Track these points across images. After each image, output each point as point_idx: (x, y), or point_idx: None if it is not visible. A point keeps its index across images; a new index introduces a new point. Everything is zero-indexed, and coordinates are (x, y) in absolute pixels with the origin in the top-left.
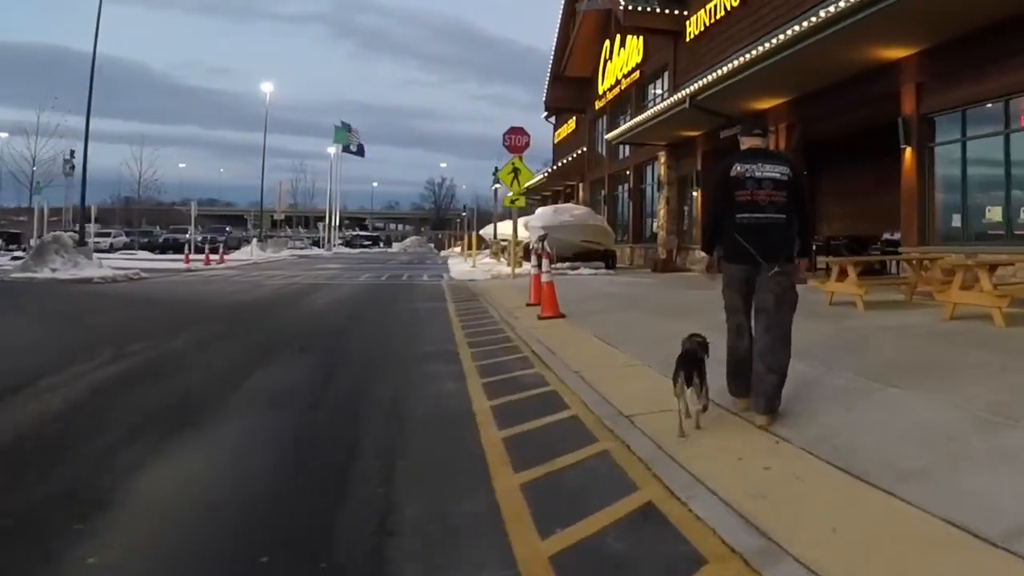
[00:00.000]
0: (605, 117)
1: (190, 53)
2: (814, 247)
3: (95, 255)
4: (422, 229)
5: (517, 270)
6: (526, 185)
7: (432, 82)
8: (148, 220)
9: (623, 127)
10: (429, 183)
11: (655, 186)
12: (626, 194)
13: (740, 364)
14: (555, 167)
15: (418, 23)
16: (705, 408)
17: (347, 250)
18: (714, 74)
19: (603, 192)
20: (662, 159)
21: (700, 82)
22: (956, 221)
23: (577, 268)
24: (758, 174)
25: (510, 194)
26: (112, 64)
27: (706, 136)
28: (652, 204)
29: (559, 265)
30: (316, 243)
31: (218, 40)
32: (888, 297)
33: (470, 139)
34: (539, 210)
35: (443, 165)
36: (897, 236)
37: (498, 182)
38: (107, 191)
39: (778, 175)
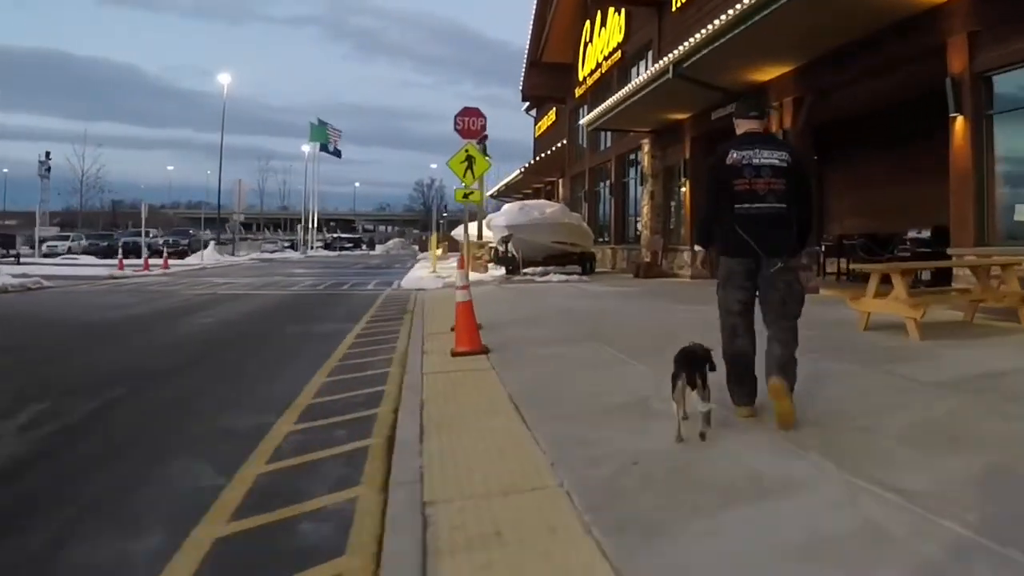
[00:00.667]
0: (586, 106)
1: (184, 56)
2: (823, 247)
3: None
4: (405, 231)
5: (480, 276)
6: (503, 185)
7: (427, 84)
8: (135, 223)
9: (600, 108)
10: (418, 184)
11: (639, 179)
12: (607, 190)
13: (740, 366)
14: (532, 162)
15: (413, 25)
16: (709, 413)
17: (325, 253)
18: (702, 32)
19: (584, 189)
20: (646, 148)
21: (686, 44)
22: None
23: (548, 274)
24: (756, 161)
25: (462, 186)
26: (104, 67)
27: (695, 119)
28: (636, 200)
29: (529, 271)
30: (293, 246)
31: (213, 43)
32: (940, 317)
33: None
34: (505, 207)
35: (433, 166)
36: (925, 234)
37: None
38: (104, 194)
39: (777, 161)
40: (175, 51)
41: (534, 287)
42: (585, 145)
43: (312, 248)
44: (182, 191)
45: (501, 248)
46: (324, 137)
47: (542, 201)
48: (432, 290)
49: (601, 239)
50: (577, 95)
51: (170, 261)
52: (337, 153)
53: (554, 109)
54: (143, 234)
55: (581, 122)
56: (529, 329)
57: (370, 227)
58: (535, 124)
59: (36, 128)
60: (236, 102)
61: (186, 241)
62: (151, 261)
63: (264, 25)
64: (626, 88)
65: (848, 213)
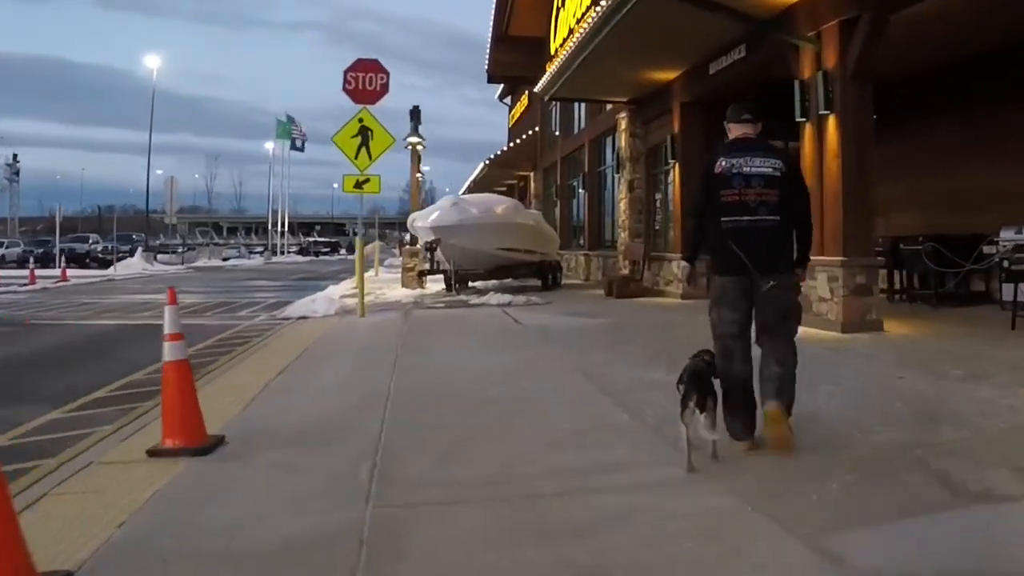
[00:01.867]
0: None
1: (185, 61)
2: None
3: None
4: (385, 233)
5: (410, 294)
6: (471, 182)
7: (429, 87)
8: (123, 228)
9: (556, 64)
10: (408, 186)
11: (615, 166)
12: (581, 182)
13: (736, 392)
14: (497, 154)
15: (415, 30)
16: (715, 444)
17: (295, 259)
18: None
19: (555, 183)
20: (623, 124)
21: None
22: None
23: (489, 292)
24: (746, 170)
25: (356, 173)
26: (104, 72)
27: (687, 78)
28: (613, 194)
29: (480, 284)
30: (263, 251)
31: (215, 48)
32: None
33: (468, 143)
34: (440, 202)
35: (426, 168)
36: None
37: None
38: (97, 199)
39: (770, 170)
40: (175, 57)
41: (449, 317)
42: (558, 131)
43: (284, 253)
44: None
45: (425, 257)
46: (289, 134)
47: (487, 195)
48: (313, 319)
49: (575, 244)
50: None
51: (88, 270)
52: (301, 147)
53: (526, 93)
54: (61, 239)
55: (536, 88)
56: (300, 456)
57: (361, 231)
58: (509, 113)
59: (30, 134)
60: (234, 106)
61: (127, 247)
62: (41, 273)
63: (264, 30)
64: (586, 24)
65: (900, 206)
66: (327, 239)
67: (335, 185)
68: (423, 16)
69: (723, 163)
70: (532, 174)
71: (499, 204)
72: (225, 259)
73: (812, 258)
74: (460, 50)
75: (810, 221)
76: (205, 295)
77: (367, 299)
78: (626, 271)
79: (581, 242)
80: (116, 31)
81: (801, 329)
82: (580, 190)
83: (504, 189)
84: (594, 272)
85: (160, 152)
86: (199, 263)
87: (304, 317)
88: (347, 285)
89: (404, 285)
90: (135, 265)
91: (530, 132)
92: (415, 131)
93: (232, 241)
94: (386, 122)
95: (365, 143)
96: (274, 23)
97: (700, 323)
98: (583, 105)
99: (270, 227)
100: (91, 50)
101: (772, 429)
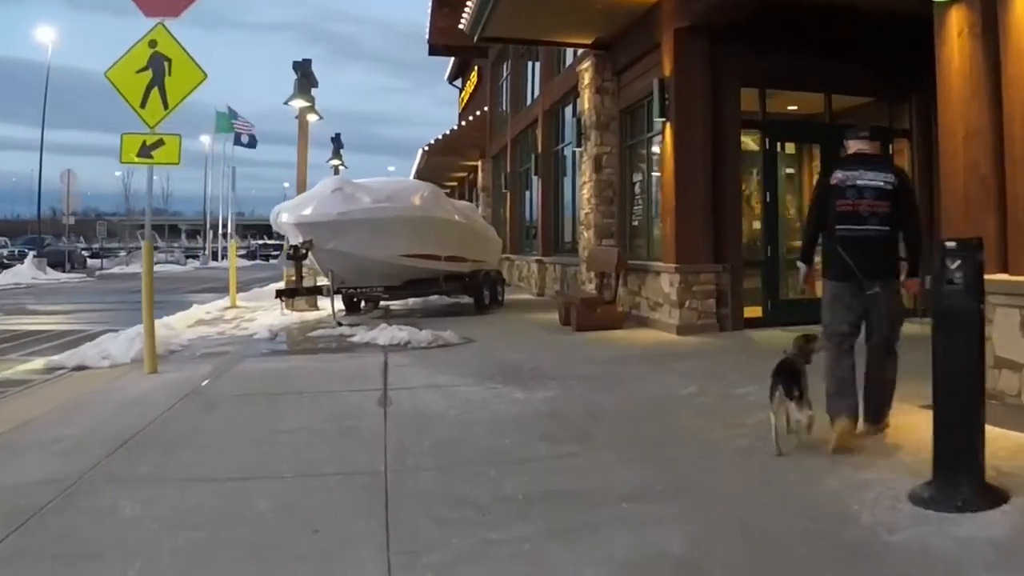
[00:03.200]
0: (511, 59)
1: None
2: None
3: None
4: None
5: (289, 319)
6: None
7: (404, 88)
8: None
9: None
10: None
11: (576, 139)
12: (534, 166)
13: (842, 384)
14: (438, 139)
15: (392, 31)
16: (811, 421)
17: (240, 263)
18: None
19: (504, 172)
20: (587, 78)
21: None
22: None
23: (379, 325)
24: (860, 182)
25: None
26: (69, 74)
27: None
28: (574, 179)
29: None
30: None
31: (189, 49)
32: None
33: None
34: (318, 186)
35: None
36: None
37: None
38: (53, 200)
39: (882, 183)
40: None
41: (280, 380)
42: (508, 109)
43: (224, 259)
44: (138, 198)
45: (289, 268)
46: (230, 127)
47: (392, 180)
48: (91, 372)
49: (528, 247)
50: None
51: None
52: (252, 144)
53: (476, 69)
54: None
55: (461, 24)
56: None
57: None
58: (459, 96)
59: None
60: (208, 108)
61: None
62: None
63: (239, 31)
64: None
65: None
66: (277, 242)
67: (286, 184)
68: (402, 17)
69: (839, 175)
70: (480, 163)
71: (409, 191)
72: (155, 264)
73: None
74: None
75: (919, 232)
76: (32, 317)
77: (219, 328)
78: (591, 287)
79: (531, 246)
80: (84, 32)
81: None
82: (533, 176)
83: (455, 184)
84: (550, 283)
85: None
86: (115, 269)
87: (82, 367)
88: (220, 304)
89: (288, 307)
90: (23, 274)
91: (478, 112)
92: (336, 154)
93: (175, 244)
94: (355, 128)
95: (159, 81)
96: (249, 24)
97: (739, 408)
98: (537, 66)
99: (207, 229)
100: (58, 52)
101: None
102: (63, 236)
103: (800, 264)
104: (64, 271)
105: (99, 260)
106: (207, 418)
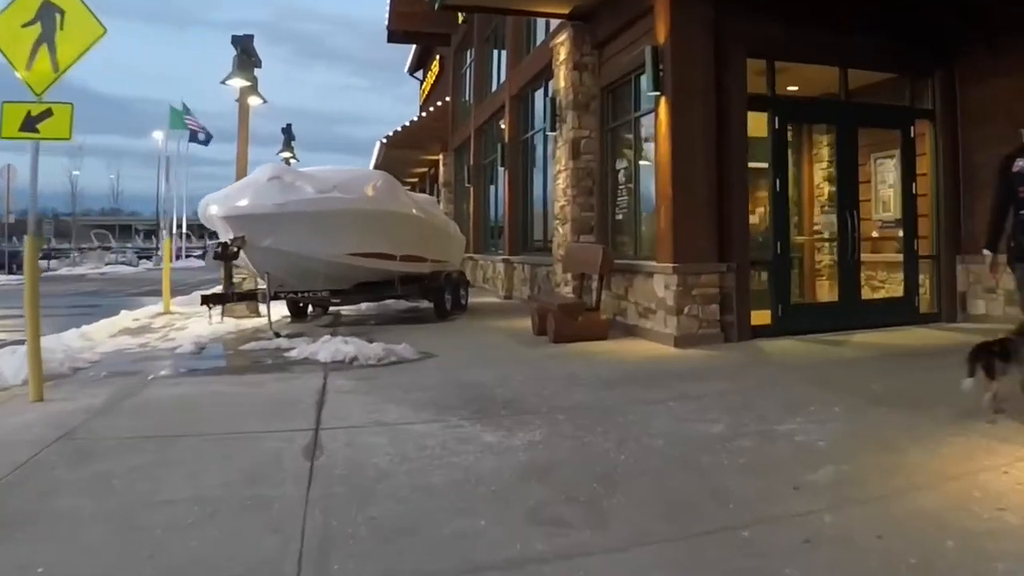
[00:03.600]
0: (475, 45)
1: (122, 61)
2: None
3: None
4: None
5: (224, 327)
6: None
7: (369, 87)
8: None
9: None
10: None
11: (550, 122)
12: (500, 156)
13: None
14: (396, 131)
15: (359, 30)
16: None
17: (193, 263)
18: None
19: (467, 165)
20: (563, 53)
21: None
22: None
23: (322, 337)
24: None
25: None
26: None
27: None
28: (546, 169)
29: (348, 310)
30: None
31: (159, 48)
32: None
33: None
34: (255, 173)
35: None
36: None
37: None
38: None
39: None
40: (116, 57)
41: (186, 412)
42: (471, 99)
43: (184, 257)
44: (96, 199)
45: (218, 268)
46: (183, 123)
47: (337, 168)
48: None
49: (492, 245)
50: (461, 21)
51: None
52: (207, 141)
53: (437, 59)
54: None
55: None
56: None
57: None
58: (420, 89)
59: None
60: (165, 106)
61: None
62: None
63: (204, 30)
64: None
65: None
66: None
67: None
68: (369, 16)
69: (1020, 163)
70: (442, 156)
71: (359, 180)
72: (107, 264)
73: None
74: (402, 50)
75: None
76: None
77: (142, 339)
78: (567, 290)
79: (497, 244)
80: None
81: None
82: (499, 167)
83: (415, 180)
84: (519, 285)
85: (91, 154)
86: (63, 271)
87: None
88: (152, 310)
89: (226, 313)
90: None
91: (439, 103)
92: (288, 146)
93: (128, 245)
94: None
95: (48, 37)
96: (214, 22)
97: (795, 457)
98: (503, 54)
99: (162, 229)
100: None
101: None
102: (3, 237)
103: (986, 251)
104: (5, 273)
105: (46, 261)
106: (71, 476)
